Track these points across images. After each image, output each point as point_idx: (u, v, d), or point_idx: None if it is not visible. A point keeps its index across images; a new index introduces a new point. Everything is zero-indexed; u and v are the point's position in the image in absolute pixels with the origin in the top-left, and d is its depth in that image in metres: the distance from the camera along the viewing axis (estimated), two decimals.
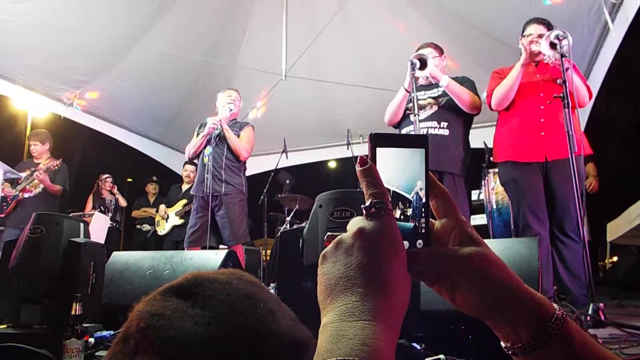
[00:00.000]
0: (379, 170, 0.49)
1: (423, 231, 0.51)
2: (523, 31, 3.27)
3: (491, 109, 3.32)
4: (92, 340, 1.94)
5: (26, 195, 4.97)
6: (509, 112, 3.25)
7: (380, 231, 0.45)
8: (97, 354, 1.95)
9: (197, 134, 4.23)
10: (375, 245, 0.44)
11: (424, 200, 0.51)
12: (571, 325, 0.47)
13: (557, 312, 0.47)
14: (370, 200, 0.46)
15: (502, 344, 0.50)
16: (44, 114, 5.97)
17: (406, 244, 0.49)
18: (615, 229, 6.97)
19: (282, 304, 0.66)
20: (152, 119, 6.49)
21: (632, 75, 8.79)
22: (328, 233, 0.49)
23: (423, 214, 0.51)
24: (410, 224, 0.50)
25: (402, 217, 0.50)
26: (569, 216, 2.92)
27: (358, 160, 0.49)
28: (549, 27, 3.17)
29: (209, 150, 4.05)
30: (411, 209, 0.51)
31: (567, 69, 2.81)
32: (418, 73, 3.27)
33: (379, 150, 0.50)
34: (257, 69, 5.49)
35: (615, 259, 8.14)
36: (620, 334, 2.11)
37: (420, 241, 0.50)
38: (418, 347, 1.51)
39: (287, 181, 6.05)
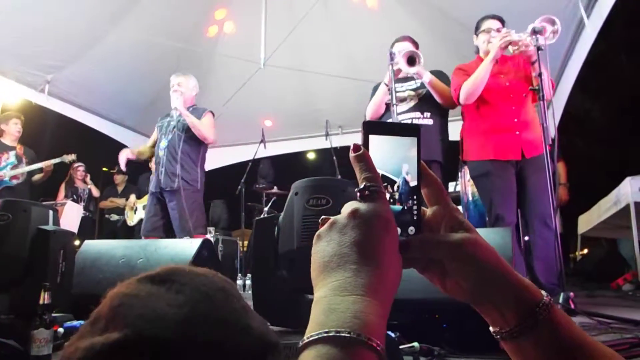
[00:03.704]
0: (371, 157, 0.50)
1: (415, 218, 0.52)
2: (478, 28, 3.29)
3: (458, 103, 3.29)
4: (61, 330, 1.89)
5: (14, 181, 5.04)
6: (480, 114, 3.20)
7: (373, 211, 0.46)
8: (67, 344, 1.90)
9: (157, 128, 4.10)
10: (368, 224, 0.45)
11: (411, 184, 0.52)
12: (557, 311, 0.48)
13: (545, 298, 0.48)
14: (363, 183, 0.48)
15: (491, 328, 0.51)
16: (15, 100, 5.76)
17: (398, 230, 0.50)
18: (586, 222, 7.11)
19: (252, 310, 0.68)
20: (128, 107, 6.34)
21: (606, 71, 8.98)
22: (323, 216, 0.50)
23: (414, 200, 0.52)
24: (399, 207, 0.52)
25: (391, 200, 0.51)
26: (543, 207, 2.97)
27: (352, 147, 0.50)
28: (503, 22, 3.24)
29: (164, 143, 3.90)
30: (397, 193, 0.52)
31: (535, 61, 2.85)
32: (405, 69, 3.27)
33: (371, 137, 0.52)
34: (235, 57, 5.42)
35: (585, 251, 8.32)
36: (590, 322, 2.17)
37: (412, 228, 0.51)
38: (392, 335, 1.51)
39: (268, 174, 6.01)
